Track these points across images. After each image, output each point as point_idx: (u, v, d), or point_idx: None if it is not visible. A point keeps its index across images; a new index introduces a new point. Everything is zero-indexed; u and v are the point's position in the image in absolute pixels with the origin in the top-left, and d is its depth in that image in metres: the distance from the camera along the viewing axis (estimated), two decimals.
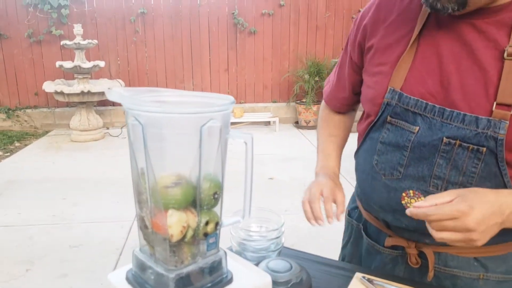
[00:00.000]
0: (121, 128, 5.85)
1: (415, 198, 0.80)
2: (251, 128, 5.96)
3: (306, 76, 5.95)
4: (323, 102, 1.16)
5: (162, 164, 0.54)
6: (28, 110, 5.97)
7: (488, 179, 0.77)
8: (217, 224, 0.59)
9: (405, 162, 0.83)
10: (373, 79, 0.90)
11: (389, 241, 0.92)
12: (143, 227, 0.59)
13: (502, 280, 0.85)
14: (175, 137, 0.53)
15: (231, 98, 0.55)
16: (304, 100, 6.06)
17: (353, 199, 1.10)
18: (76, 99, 5.05)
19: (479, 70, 0.76)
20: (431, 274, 0.86)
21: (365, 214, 1.01)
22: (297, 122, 6.24)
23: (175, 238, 0.55)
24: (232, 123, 5.87)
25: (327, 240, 2.18)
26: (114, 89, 0.54)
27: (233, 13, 5.97)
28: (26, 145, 5.27)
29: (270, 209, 0.96)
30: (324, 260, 0.99)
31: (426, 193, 0.81)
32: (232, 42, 6.11)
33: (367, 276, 0.85)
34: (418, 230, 0.82)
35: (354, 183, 1.04)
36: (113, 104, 6.14)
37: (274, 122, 6.02)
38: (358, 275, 0.86)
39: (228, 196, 0.69)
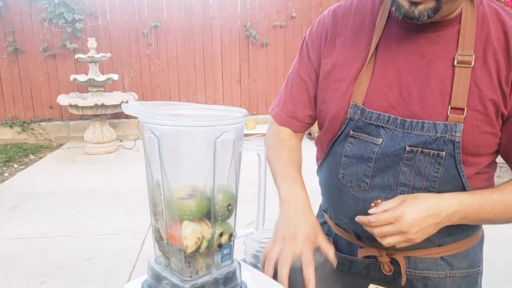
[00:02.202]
0: (135, 140, 5.92)
1: None
2: (263, 140, 5.97)
3: None
4: (273, 126, 1.05)
5: (177, 176, 0.55)
6: (43, 123, 6.08)
7: (449, 182, 0.81)
8: (231, 235, 0.60)
9: (371, 173, 0.86)
10: (332, 95, 0.91)
11: (361, 252, 0.94)
12: (158, 238, 0.60)
13: (466, 275, 0.92)
14: (190, 150, 0.54)
15: (244, 111, 0.56)
16: None
17: (320, 214, 1.10)
18: (90, 112, 5.14)
19: (435, 79, 0.80)
20: (404, 279, 0.89)
21: (334, 228, 1.01)
22: (310, 134, 6.24)
23: (190, 249, 0.56)
24: (245, 135, 5.89)
25: None
26: (130, 103, 0.55)
27: (246, 25, 6.04)
28: (40, 157, 5.36)
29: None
30: (335, 271, 0.98)
31: None
32: (244, 54, 6.16)
33: None
34: None
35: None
36: (127, 116, 6.22)
37: None
38: (371, 287, 0.86)
39: (241, 208, 0.70)
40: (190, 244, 0.56)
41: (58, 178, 4.47)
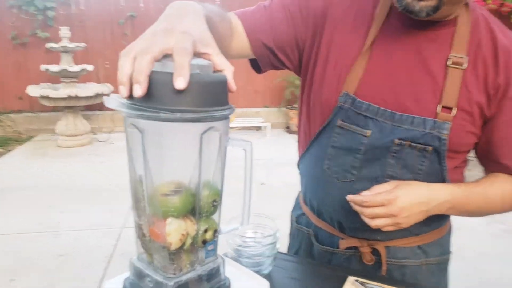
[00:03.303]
0: (109, 133, 5.79)
1: None
2: (242, 133, 5.95)
3: (297, 82, 5.96)
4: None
5: (161, 171, 0.54)
6: (12, 115, 5.86)
7: (431, 175, 0.85)
8: (215, 231, 0.59)
9: (358, 165, 0.87)
10: (325, 81, 0.89)
11: (343, 244, 0.96)
12: (140, 235, 0.59)
13: (439, 261, 0.97)
14: (175, 145, 0.53)
15: (231, 106, 0.55)
16: (295, 105, 6.10)
17: (298, 206, 1.10)
18: (62, 104, 4.98)
19: (428, 76, 0.83)
20: (384, 268, 0.93)
21: (314, 220, 1.02)
22: (288, 127, 6.27)
23: (174, 246, 0.55)
24: None
25: None
26: (112, 96, 0.53)
27: None
28: (9, 150, 5.17)
29: (265, 215, 0.96)
30: (317, 264, 1.00)
31: None
32: None
33: (360, 280, 0.86)
34: (371, 228, 0.84)
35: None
36: (101, 109, 6.07)
37: (265, 127, 6.03)
38: (350, 278, 0.87)
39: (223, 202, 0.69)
40: (174, 241, 0.55)
41: (28, 171, 4.33)
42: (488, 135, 0.86)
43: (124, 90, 0.49)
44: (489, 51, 0.81)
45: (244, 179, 0.60)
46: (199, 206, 0.56)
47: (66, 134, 5.18)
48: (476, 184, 0.89)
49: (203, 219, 0.58)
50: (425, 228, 0.93)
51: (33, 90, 4.98)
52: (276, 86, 6.34)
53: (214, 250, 0.60)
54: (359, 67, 0.86)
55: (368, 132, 0.85)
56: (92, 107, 5.89)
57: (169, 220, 0.55)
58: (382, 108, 0.84)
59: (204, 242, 0.58)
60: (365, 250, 0.94)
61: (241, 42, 0.87)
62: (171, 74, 0.48)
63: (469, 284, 0.80)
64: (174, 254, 0.55)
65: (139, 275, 0.58)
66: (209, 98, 0.51)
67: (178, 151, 0.53)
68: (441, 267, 0.98)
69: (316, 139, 0.94)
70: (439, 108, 0.81)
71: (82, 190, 3.79)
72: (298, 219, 1.09)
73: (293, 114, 6.05)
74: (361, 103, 0.85)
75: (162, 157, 0.53)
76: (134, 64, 0.49)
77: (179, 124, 0.50)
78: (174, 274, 0.56)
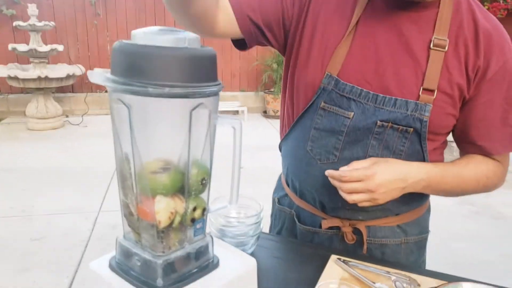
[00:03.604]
0: (82, 116, 5.63)
1: None
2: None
3: (275, 65, 5.96)
4: None
5: (149, 149, 0.53)
6: None
7: (412, 156, 0.87)
8: (204, 209, 0.59)
9: (341, 146, 0.89)
10: (310, 61, 0.89)
11: (325, 223, 0.97)
12: (127, 214, 0.58)
13: (417, 240, 1.00)
14: (163, 122, 0.52)
15: (220, 83, 0.55)
16: (272, 90, 6.08)
17: (280, 187, 1.11)
18: (32, 85, 4.80)
19: (411, 58, 0.83)
20: (365, 247, 0.95)
21: (297, 201, 1.03)
22: (265, 112, 6.26)
23: (163, 225, 0.54)
24: None
25: None
26: (96, 70, 0.52)
27: None
28: None
29: (249, 196, 0.96)
30: (299, 243, 1.01)
31: None
32: None
33: (343, 258, 0.88)
34: (352, 207, 0.87)
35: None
36: (73, 91, 5.89)
37: (242, 111, 6.01)
38: (333, 257, 0.88)
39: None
40: (163, 219, 0.54)
41: None
42: (466, 117, 0.88)
43: None
44: (471, 33, 0.82)
45: (233, 157, 0.59)
46: (188, 185, 0.55)
47: (37, 117, 5.01)
48: (452, 164, 0.90)
49: (192, 198, 0.57)
50: (405, 208, 0.95)
51: (0, 71, 4.77)
52: (253, 70, 6.30)
53: (203, 228, 0.59)
54: (343, 48, 0.86)
55: (351, 114, 0.86)
56: (64, 89, 5.70)
57: (158, 198, 0.54)
58: (365, 90, 0.85)
59: (193, 220, 0.58)
60: (347, 229, 0.96)
61: (227, 17, 0.85)
62: (159, 48, 0.47)
63: (443, 263, 0.84)
64: (163, 232, 0.55)
65: (126, 254, 0.58)
66: (198, 73, 0.50)
67: (166, 129, 0.52)
68: (420, 245, 1.01)
69: (299, 121, 0.94)
70: (420, 91, 0.82)
71: (56, 174, 3.70)
72: (280, 200, 1.10)
73: (270, 99, 6.04)
74: (344, 85, 0.86)
75: (150, 135, 0.52)
76: None
77: (167, 100, 0.49)
78: (163, 252, 0.55)
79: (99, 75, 0.51)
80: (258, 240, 0.97)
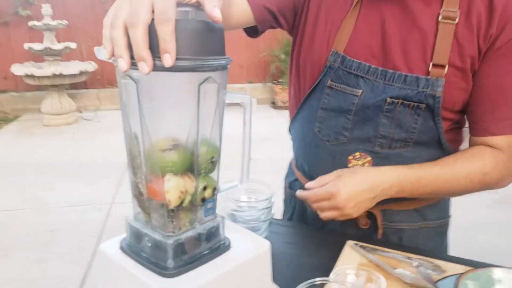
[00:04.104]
0: (95, 111, 5.69)
1: (362, 160, 0.85)
2: (227, 110, 5.88)
3: (282, 56, 5.89)
4: None
5: (157, 125, 0.51)
6: None
7: (426, 133, 0.83)
8: (214, 189, 0.57)
9: (350, 126, 0.85)
10: (315, 38, 0.88)
11: None
12: (137, 194, 0.57)
13: (437, 225, 0.95)
14: (171, 97, 0.50)
15: (228, 57, 0.53)
16: (280, 80, 6.03)
17: (291, 171, 1.08)
18: (47, 82, 4.87)
19: (419, 32, 0.80)
20: (380, 231, 0.91)
21: None
22: (273, 103, 6.22)
23: (173, 204, 0.53)
24: None
25: None
26: (103, 47, 0.50)
27: None
28: None
29: (260, 180, 0.94)
30: (313, 229, 0.99)
31: (372, 153, 0.85)
32: None
33: (360, 244, 0.85)
34: None
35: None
36: (86, 87, 5.95)
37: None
38: (349, 242, 0.86)
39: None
40: (173, 198, 0.53)
41: (15, 150, 4.25)
42: (472, 91, 0.82)
43: (124, 63, 0.46)
44: (484, 1, 0.77)
45: (243, 135, 0.58)
46: (197, 163, 0.54)
47: (51, 113, 5.08)
48: (435, 164, 0.83)
49: (202, 177, 0.56)
50: None
51: (17, 69, 4.86)
52: (260, 61, 6.25)
53: (213, 208, 0.58)
54: (349, 24, 0.83)
55: (359, 92, 0.83)
56: (77, 85, 5.77)
57: (168, 177, 0.52)
58: (374, 66, 0.82)
59: (203, 200, 0.56)
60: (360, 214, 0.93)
61: (241, 10, 0.85)
62: None
63: (466, 253, 0.80)
64: (173, 212, 0.54)
65: (137, 235, 0.56)
66: (206, 46, 0.49)
67: (174, 104, 0.51)
68: (440, 230, 0.97)
69: (306, 101, 0.92)
70: (430, 67, 0.79)
71: (70, 168, 3.74)
72: (291, 185, 1.08)
73: (279, 89, 5.99)
74: (351, 61, 0.83)
75: (158, 110, 0.50)
76: (128, 35, 0.45)
77: (175, 74, 0.48)
78: (173, 232, 0.54)
79: (105, 52, 0.49)
80: (271, 226, 0.95)
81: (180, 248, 0.53)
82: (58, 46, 4.82)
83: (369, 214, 0.93)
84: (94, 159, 3.91)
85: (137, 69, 0.46)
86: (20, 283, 2.14)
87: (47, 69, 4.79)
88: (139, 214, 0.58)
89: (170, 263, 0.53)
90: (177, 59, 0.46)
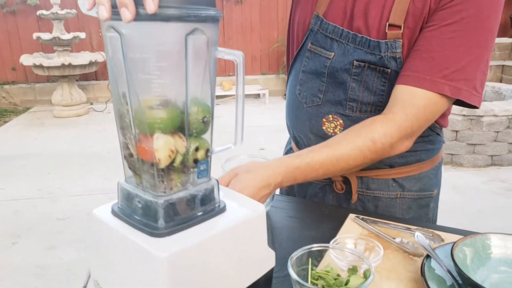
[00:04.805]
0: (106, 103, 5.72)
1: (334, 122, 0.89)
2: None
3: None
4: None
5: (144, 82, 0.49)
6: (6, 86, 5.79)
7: None
8: (207, 151, 0.56)
9: (324, 88, 0.89)
10: (300, 3, 0.93)
11: None
12: (127, 155, 0.55)
13: (416, 197, 0.95)
14: (158, 50, 0.48)
15: (219, 11, 0.51)
16: None
17: (289, 141, 1.13)
18: (57, 73, 4.91)
19: None
20: (354, 196, 0.93)
21: (295, 150, 1.04)
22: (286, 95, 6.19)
23: (163, 163, 0.51)
24: (221, 96, 5.80)
25: None
26: None
27: None
28: (6, 122, 5.13)
29: (263, 156, 0.93)
30: (315, 203, 0.98)
31: (343, 116, 0.89)
32: None
33: (361, 216, 0.84)
34: None
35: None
36: (97, 78, 5.99)
37: (264, 94, 5.96)
38: (351, 215, 0.85)
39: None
40: (163, 157, 0.51)
41: (26, 141, 4.31)
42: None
43: (104, 11, 0.45)
44: None
45: (236, 94, 0.56)
46: (188, 122, 0.52)
47: (62, 104, 5.13)
48: (324, 145, 0.82)
49: (194, 137, 0.54)
50: (398, 160, 0.91)
51: (26, 59, 4.90)
52: (273, 52, 6.23)
53: (207, 170, 0.56)
54: None
55: (332, 55, 0.86)
56: (88, 76, 5.81)
57: (157, 135, 0.51)
58: (346, 30, 0.84)
59: (196, 161, 0.55)
60: (336, 178, 0.95)
61: None
62: None
63: None
64: (163, 171, 0.52)
65: (128, 198, 0.55)
66: None
67: (161, 58, 0.49)
68: (420, 203, 0.95)
69: (292, 65, 0.96)
70: (386, 27, 0.80)
71: (81, 158, 3.78)
72: (287, 154, 1.10)
73: None
74: (327, 24, 0.86)
75: (144, 66, 0.49)
76: None
77: (160, 24, 0.46)
78: (164, 192, 0.52)
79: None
80: (272, 201, 0.94)
81: (171, 209, 0.52)
82: (67, 36, 4.85)
83: (346, 180, 0.94)
84: (104, 150, 3.94)
85: (119, 19, 0.44)
86: (31, 269, 2.17)
87: (57, 59, 4.83)
88: (131, 177, 0.56)
89: (161, 223, 0.51)
90: (161, 6, 0.44)
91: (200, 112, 0.54)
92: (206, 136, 0.56)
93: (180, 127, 0.53)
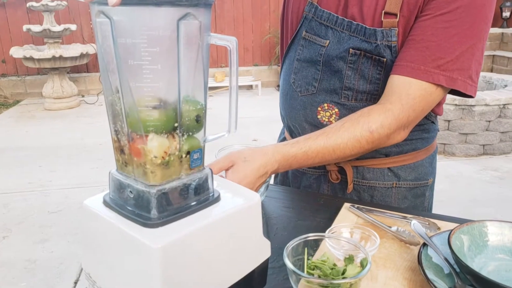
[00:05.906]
0: (97, 95, 5.66)
1: (329, 111, 0.89)
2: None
3: None
4: None
5: (135, 73, 0.48)
6: None
7: None
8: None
9: (319, 77, 0.88)
10: None
11: None
12: (119, 151, 0.54)
13: (412, 186, 0.94)
14: (150, 35, 0.47)
15: None
16: None
17: (282, 131, 1.12)
18: (47, 65, 4.83)
19: None
20: (350, 186, 0.93)
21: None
22: (279, 86, 6.16)
23: (156, 164, 0.50)
24: (213, 88, 5.76)
25: None
26: None
27: None
28: None
29: (258, 146, 0.92)
30: (310, 193, 0.97)
31: (338, 105, 0.88)
32: None
33: (356, 205, 0.83)
34: None
35: None
36: (88, 70, 5.92)
37: (256, 86, 5.93)
38: (346, 205, 0.84)
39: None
40: (157, 157, 0.50)
41: (17, 134, 4.25)
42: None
43: None
44: None
45: (229, 81, 0.55)
46: (181, 114, 0.51)
47: (53, 97, 5.06)
48: (320, 133, 0.81)
49: (186, 137, 0.53)
50: (394, 149, 0.91)
51: (16, 52, 4.82)
52: (266, 43, 6.19)
53: (200, 159, 0.55)
54: None
55: (327, 42, 0.85)
56: (79, 68, 5.73)
57: (151, 136, 0.50)
58: (341, 17, 0.83)
59: (188, 152, 0.53)
60: (332, 168, 0.94)
61: None
62: None
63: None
64: (157, 167, 0.51)
65: (120, 188, 0.54)
66: None
67: (152, 45, 0.47)
68: (416, 192, 0.95)
69: (286, 54, 0.95)
70: (382, 15, 0.79)
71: (72, 151, 3.74)
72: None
73: None
74: (321, 11, 0.85)
75: (135, 52, 0.47)
76: None
77: (152, 9, 0.44)
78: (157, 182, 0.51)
79: None
80: (267, 191, 0.93)
81: (164, 198, 0.51)
82: (57, 28, 4.77)
83: (341, 170, 0.93)
84: (96, 142, 3.90)
85: (106, 3, 0.42)
86: (22, 263, 2.15)
87: (47, 51, 4.75)
88: (122, 168, 0.55)
89: (154, 213, 0.50)
90: None
91: (192, 111, 0.52)
92: (199, 135, 0.55)
93: (173, 127, 0.51)
